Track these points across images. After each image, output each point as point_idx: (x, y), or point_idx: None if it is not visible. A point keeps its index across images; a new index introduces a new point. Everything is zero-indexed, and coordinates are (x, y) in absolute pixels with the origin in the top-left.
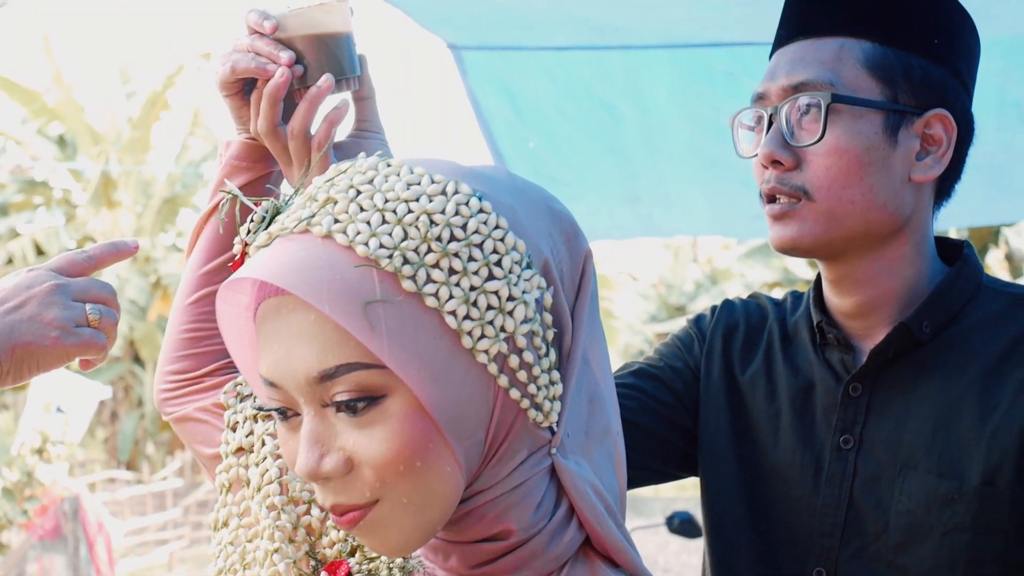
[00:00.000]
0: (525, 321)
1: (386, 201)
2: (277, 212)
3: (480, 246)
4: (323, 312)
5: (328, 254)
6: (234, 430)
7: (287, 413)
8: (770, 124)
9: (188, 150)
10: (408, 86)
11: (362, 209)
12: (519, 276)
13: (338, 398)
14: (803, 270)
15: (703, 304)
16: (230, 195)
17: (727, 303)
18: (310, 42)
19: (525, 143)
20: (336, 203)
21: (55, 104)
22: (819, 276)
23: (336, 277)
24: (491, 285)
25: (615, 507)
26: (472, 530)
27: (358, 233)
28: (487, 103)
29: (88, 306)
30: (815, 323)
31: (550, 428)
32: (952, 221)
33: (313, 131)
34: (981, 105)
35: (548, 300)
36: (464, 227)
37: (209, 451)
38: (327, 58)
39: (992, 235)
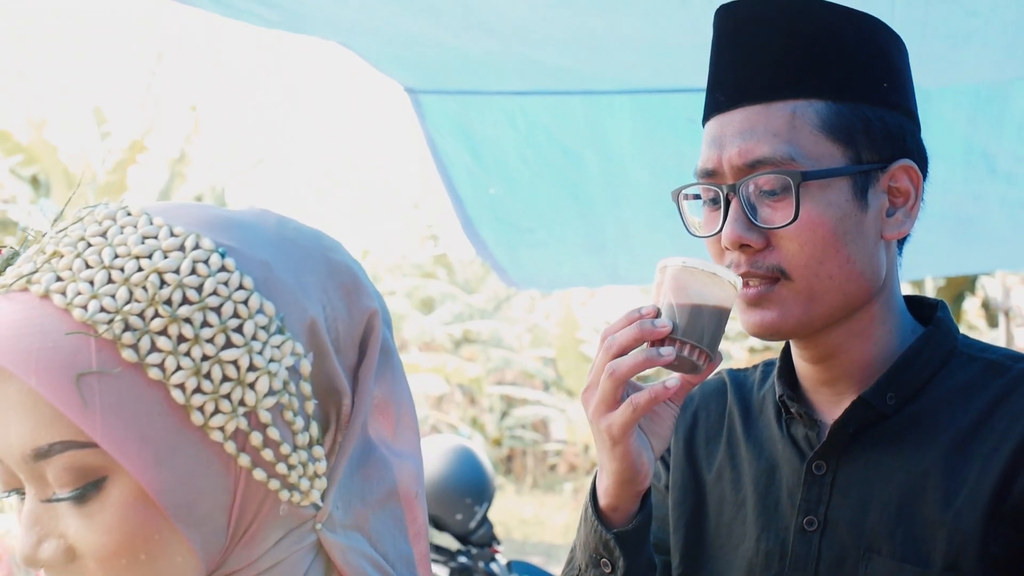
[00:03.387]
0: (270, 393)
1: (115, 257)
2: (8, 264)
3: (217, 310)
4: None
5: (43, 318)
6: None
7: (20, 491)
8: (727, 202)
9: (168, 196)
10: (367, 129)
11: (87, 266)
12: (265, 343)
13: (57, 494)
14: None
15: None
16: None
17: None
18: (688, 308)
19: (485, 189)
20: (62, 257)
21: (28, 144)
22: (787, 346)
23: (48, 345)
24: (228, 354)
25: (406, 574)
26: None
27: (78, 294)
28: (446, 148)
29: None
30: (778, 397)
31: (314, 504)
32: (919, 271)
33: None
34: (948, 155)
35: (306, 368)
36: (200, 288)
37: None
38: (695, 329)
39: (969, 283)
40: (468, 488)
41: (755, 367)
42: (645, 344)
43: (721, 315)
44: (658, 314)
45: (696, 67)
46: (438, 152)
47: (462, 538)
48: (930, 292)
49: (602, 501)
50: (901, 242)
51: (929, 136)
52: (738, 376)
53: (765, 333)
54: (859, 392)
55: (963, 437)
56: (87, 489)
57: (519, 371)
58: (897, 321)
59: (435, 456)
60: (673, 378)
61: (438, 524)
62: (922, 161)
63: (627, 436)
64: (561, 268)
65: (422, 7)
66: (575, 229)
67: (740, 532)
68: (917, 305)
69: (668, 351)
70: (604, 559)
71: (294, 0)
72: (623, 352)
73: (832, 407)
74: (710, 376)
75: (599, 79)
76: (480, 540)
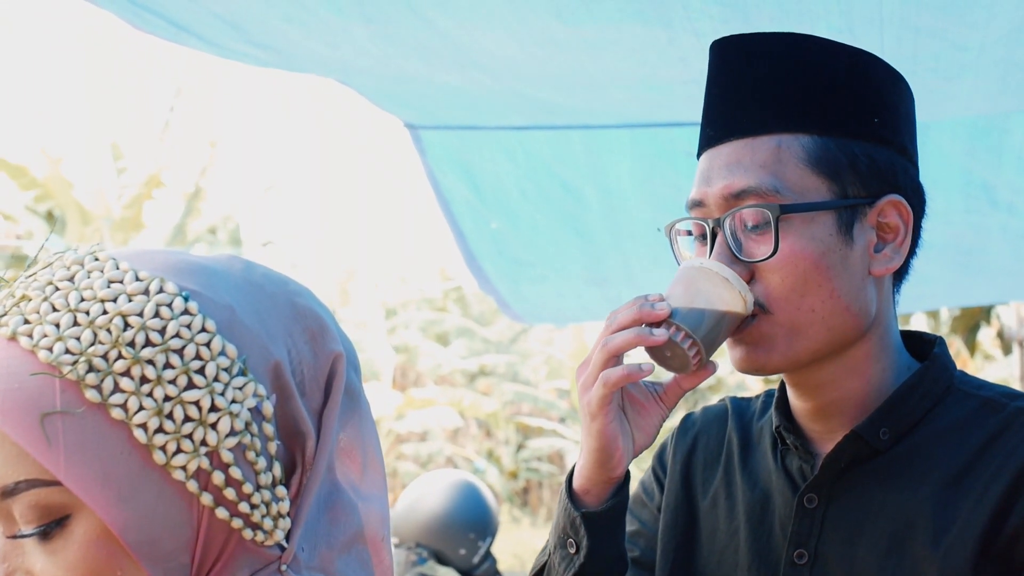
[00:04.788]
0: (232, 434)
1: (81, 300)
2: None
3: (180, 352)
4: None
5: (9, 359)
6: None
7: None
8: (714, 236)
9: (183, 230)
10: (368, 164)
11: (54, 309)
12: (227, 384)
13: (23, 531)
14: None
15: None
16: None
17: (684, 422)
18: (692, 300)
19: (487, 224)
20: (30, 301)
21: (44, 179)
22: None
23: (13, 386)
24: (190, 395)
25: None
26: None
27: (44, 336)
28: (447, 183)
29: None
30: (774, 427)
31: (279, 545)
32: (923, 303)
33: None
34: (947, 187)
35: (268, 409)
36: (162, 331)
37: None
38: (693, 320)
39: (984, 313)
40: (471, 523)
41: (758, 396)
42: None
43: (722, 318)
44: (662, 300)
45: (688, 102)
46: (439, 187)
47: (466, 573)
48: (945, 322)
49: (576, 482)
50: (899, 279)
51: (927, 167)
52: (740, 404)
53: (750, 369)
54: (851, 425)
55: (955, 475)
56: (51, 526)
57: (535, 404)
58: (892, 358)
59: (438, 491)
60: (650, 362)
61: (441, 559)
62: (916, 198)
63: (603, 412)
64: (564, 302)
65: (412, 46)
66: (577, 263)
67: (732, 561)
68: (916, 341)
69: (661, 332)
70: (570, 539)
71: (285, 41)
72: (621, 330)
73: (827, 440)
74: (717, 401)
75: (596, 114)
76: (483, 575)
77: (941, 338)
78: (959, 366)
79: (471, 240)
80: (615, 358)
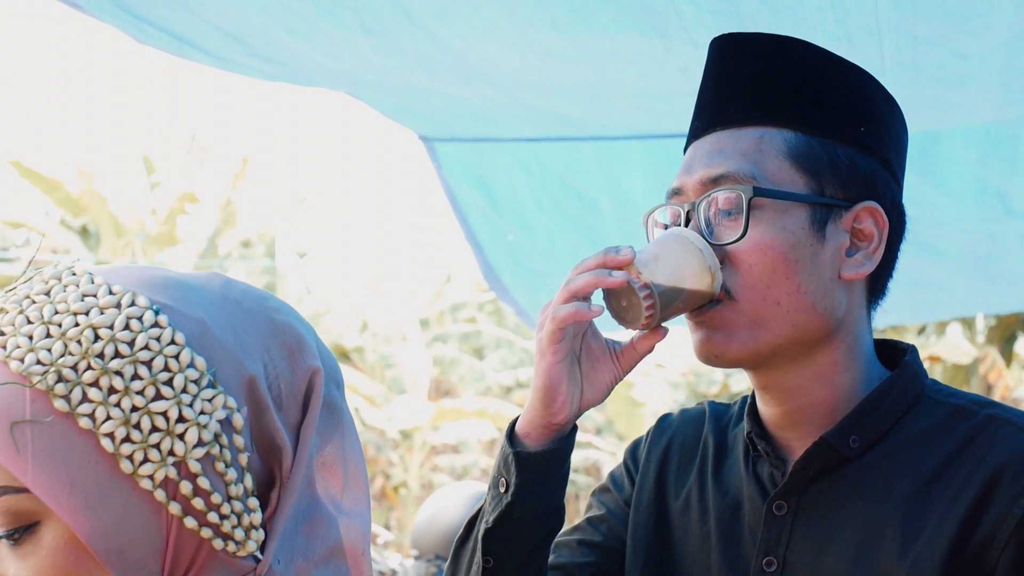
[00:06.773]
0: (199, 445)
1: (55, 313)
2: None
3: (148, 363)
4: None
5: None
6: None
7: None
8: (687, 221)
9: (216, 245)
10: (384, 177)
11: (29, 321)
12: (195, 396)
13: None
14: None
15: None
16: None
17: (661, 422)
18: (659, 258)
19: (504, 235)
20: (6, 313)
21: (78, 194)
22: None
23: None
24: (158, 405)
25: None
26: None
27: (16, 347)
28: (462, 195)
29: None
30: (746, 433)
31: (253, 556)
32: (940, 312)
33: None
34: (961, 195)
35: (239, 421)
36: (131, 343)
37: None
38: (655, 272)
39: (1020, 322)
40: None
41: (735, 402)
42: None
43: (684, 286)
44: (629, 248)
45: (689, 112)
46: (455, 199)
47: None
48: (981, 332)
49: (519, 424)
50: (874, 298)
51: (940, 175)
52: (718, 409)
53: (709, 355)
54: (820, 434)
55: (924, 483)
56: (20, 532)
57: None
58: (862, 367)
59: (457, 503)
60: (600, 304)
61: None
62: (895, 214)
63: (552, 350)
64: None
65: (414, 58)
66: None
67: (704, 565)
68: (891, 350)
69: (620, 274)
70: (502, 478)
71: (289, 54)
72: (584, 272)
73: (797, 447)
74: (695, 404)
75: (605, 125)
76: None
77: (913, 346)
78: (995, 377)
79: (488, 252)
80: (573, 299)
